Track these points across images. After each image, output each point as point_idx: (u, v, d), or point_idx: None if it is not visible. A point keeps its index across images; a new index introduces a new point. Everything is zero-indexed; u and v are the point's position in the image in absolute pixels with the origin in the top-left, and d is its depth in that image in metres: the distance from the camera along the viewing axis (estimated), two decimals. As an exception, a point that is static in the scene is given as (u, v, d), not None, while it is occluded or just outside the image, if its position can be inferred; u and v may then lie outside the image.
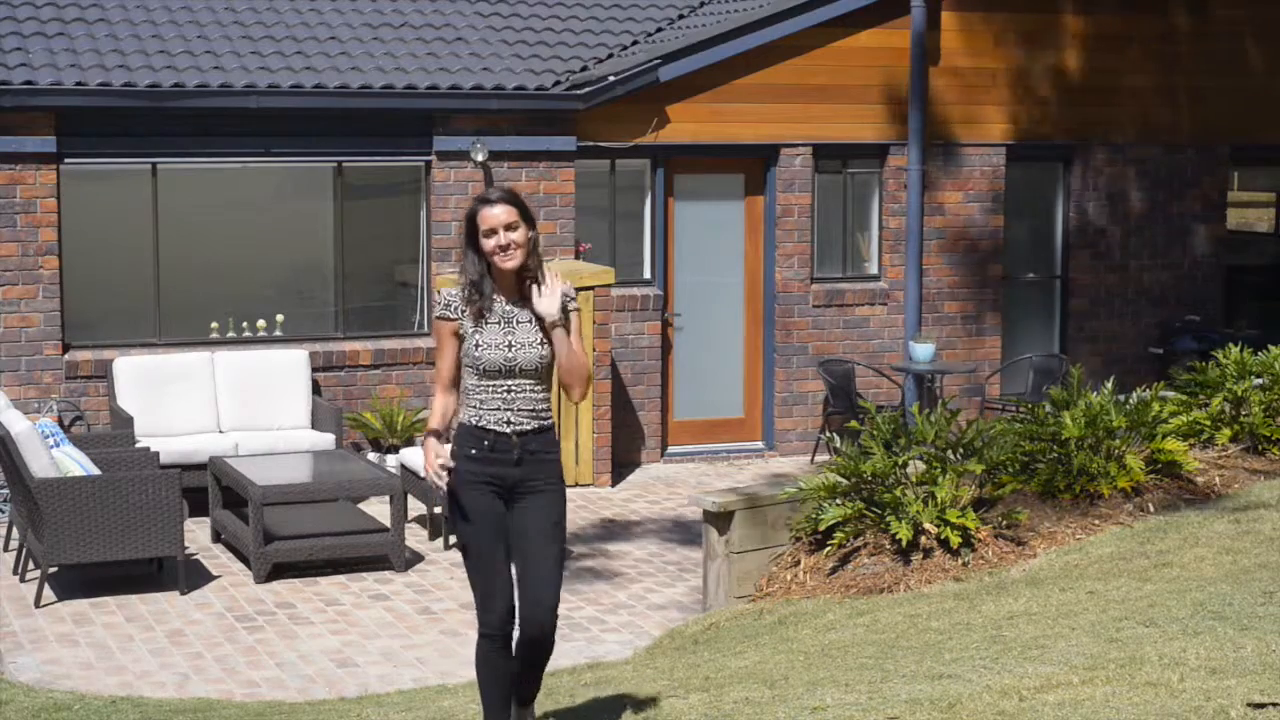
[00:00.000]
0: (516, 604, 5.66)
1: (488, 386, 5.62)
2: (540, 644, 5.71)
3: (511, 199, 5.61)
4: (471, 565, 5.70)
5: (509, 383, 5.61)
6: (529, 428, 5.63)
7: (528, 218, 5.62)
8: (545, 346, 5.64)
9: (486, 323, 5.62)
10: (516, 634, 5.70)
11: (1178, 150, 15.79)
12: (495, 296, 5.64)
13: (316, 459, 11.71)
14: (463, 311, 5.64)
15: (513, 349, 5.61)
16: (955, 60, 14.87)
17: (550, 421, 5.73)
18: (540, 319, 5.63)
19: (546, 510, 5.68)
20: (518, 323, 5.64)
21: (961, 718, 5.27)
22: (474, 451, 5.64)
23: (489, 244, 5.57)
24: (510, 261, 5.57)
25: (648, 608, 9.92)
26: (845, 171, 14.88)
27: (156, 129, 12.88)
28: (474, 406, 5.67)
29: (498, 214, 5.55)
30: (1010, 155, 15.21)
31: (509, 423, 5.61)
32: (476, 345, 5.62)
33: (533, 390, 5.64)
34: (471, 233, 5.61)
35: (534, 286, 5.64)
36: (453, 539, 11.42)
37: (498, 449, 5.61)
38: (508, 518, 5.67)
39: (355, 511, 11.33)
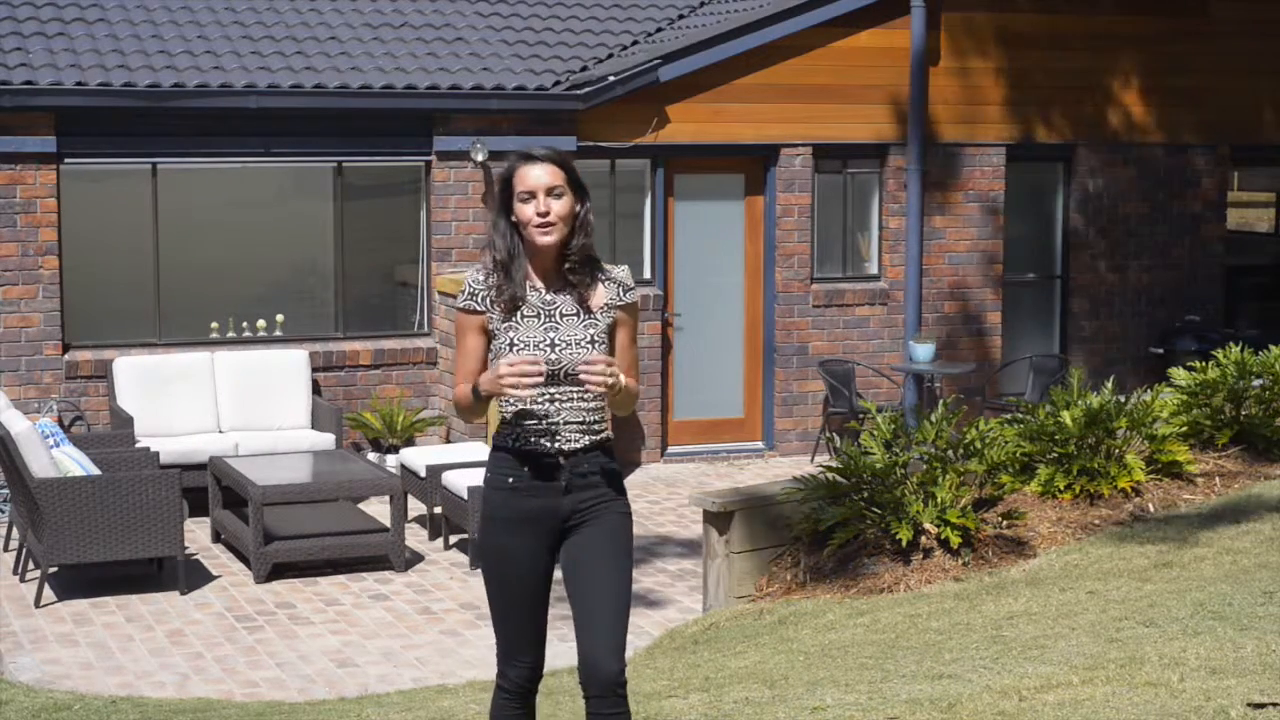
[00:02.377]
0: (577, 660, 4.58)
1: (526, 397, 4.55)
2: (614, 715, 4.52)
3: (560, 160, 4.55)
4: (495, 616, 4.65)
5: (552, 390, 4.53)
6: (580, 445, 4.56)
7: (578, 186, 4.57)
8: (597, 345, 4.56)
9: (522, 316, 4.56)
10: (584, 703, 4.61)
11: (1178, 150, 15.79)
12: (530, 283, 4.59)
13: (316, 459, 11.71)
14: (491, 302, 4.58)
15: (556, 348, 4.53)
16: (955, 60, 14.87)
17: (606, 435, 4.64)
18: (588, 309, 4.59)
19: (610, 537, 4.59)
20: (562, 315, 4.57)
21: (961, 718, 5.26)
22: (511, 480, 4.57)
23: (525, 211, 4.50)
24: (548, 237, 4.51)
25: (648, 608, 9.92)
26: (845, 171, 14.88)
27: (156, 129, 12.88)
28: (509, 422, 4.58)
29: (540, 175, 4.50)
30: (1010, 155, 15.21)
31: (554, 440, 4.54)
32: (510, 345, 4.55)
33: (582, 398, 4.56)
34: (506, 197, 4.55)
35: (588, 279, 4.61)
36: (454, 538, 11.41)
37: (541, 476, 4.54)
38: (562, 552, 4.62)
39: (355, 511, 11.33)
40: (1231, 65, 15.70)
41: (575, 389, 4.54)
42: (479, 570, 10.69)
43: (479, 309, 4.59)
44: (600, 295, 4.61)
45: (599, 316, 4.60)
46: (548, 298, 4.58)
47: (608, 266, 4.67)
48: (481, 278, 4.61)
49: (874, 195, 14.98)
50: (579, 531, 4.58)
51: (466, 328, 4.62)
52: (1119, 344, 15.72)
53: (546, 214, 4.50)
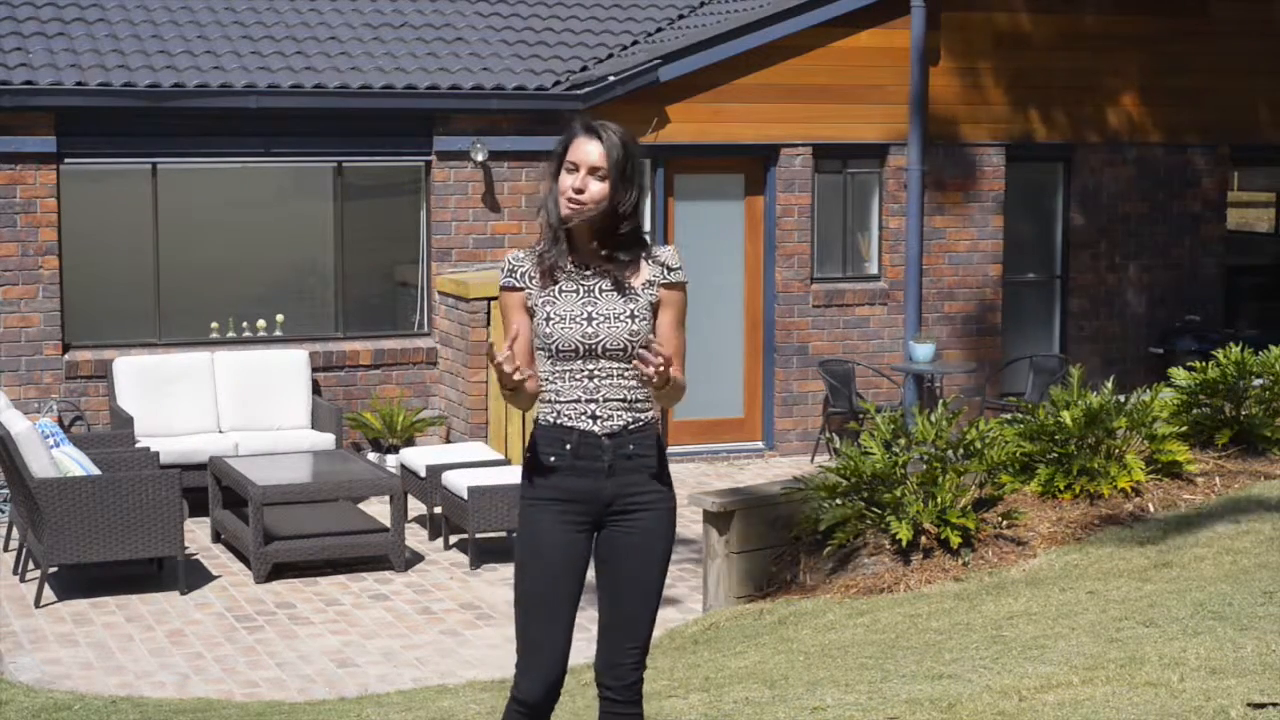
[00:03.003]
0: (597, 654, 4.48)
1: (565, 373, 4.41)
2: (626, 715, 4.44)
3: (616, 145, 4.40)
4: (520, 610, 4.46)
5: (590, 366, 4.40)
6: (622, 423, 4.41)
7: (624, 177, 4.40)
8: (637, 320, 4.41)
9: (560, 290, 4.44)
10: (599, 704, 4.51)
11: (1178, 150, 15.79)
12: (570, 257, 4.45)
13: (316, 459, 11.71)
14: (532, 278, 4.46)
15: (593, 322, 4.40)
16: (955, 60, 14.87)
17: (651, 415, 4.47)
18: (628, 286, 4.45)
19: (649, 535, 4.46)
20: (601, 290, 4.43)
21: (961, 718, 5.26)
22: (553, 459, 4.41)
23: (564, 181, 4.40)
24: (573, 212, 4.40)
25: (648, 608, 9.91)
26: (845, 171, 14.88)
27: (156, 129, 12.88)
28: (550, 401, 4.44)
29: (590, 151, 4.38)
30: (1010, 155, 15.21)
31: (594, 417, 4.40)
32: (547, 319, 4.41)
33: (623, 375, 4.41)
34: (559, 162, 4.47)
35: (628, 259, 4.46)
36: (454, 538, 11.40)
37: (583, 454, 4.40)
38: (596, 548, 4.47)
39: (355, 511, 11.33)
40: (1231, 65, 15.70)
41: (615, 365, 4.41)
42: (479, 570, 10.73)
43: (518, 285, 4.46)
44: (642, 274, 4.46)
45: (640, 293, 4.44)
46: (586, 273, 4.44)
47: (655, 247, 4.52)
48: (521, 255, 4.51)
49: (874, 195, 14.98)
50: (620, 524, 4.43)
51: (510, 307, 4.49)
52: (1119, 344, 15.72)
53: (581, 191, 4.37)
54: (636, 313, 4.42)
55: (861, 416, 13.29)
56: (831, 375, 14.28)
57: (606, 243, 4.43)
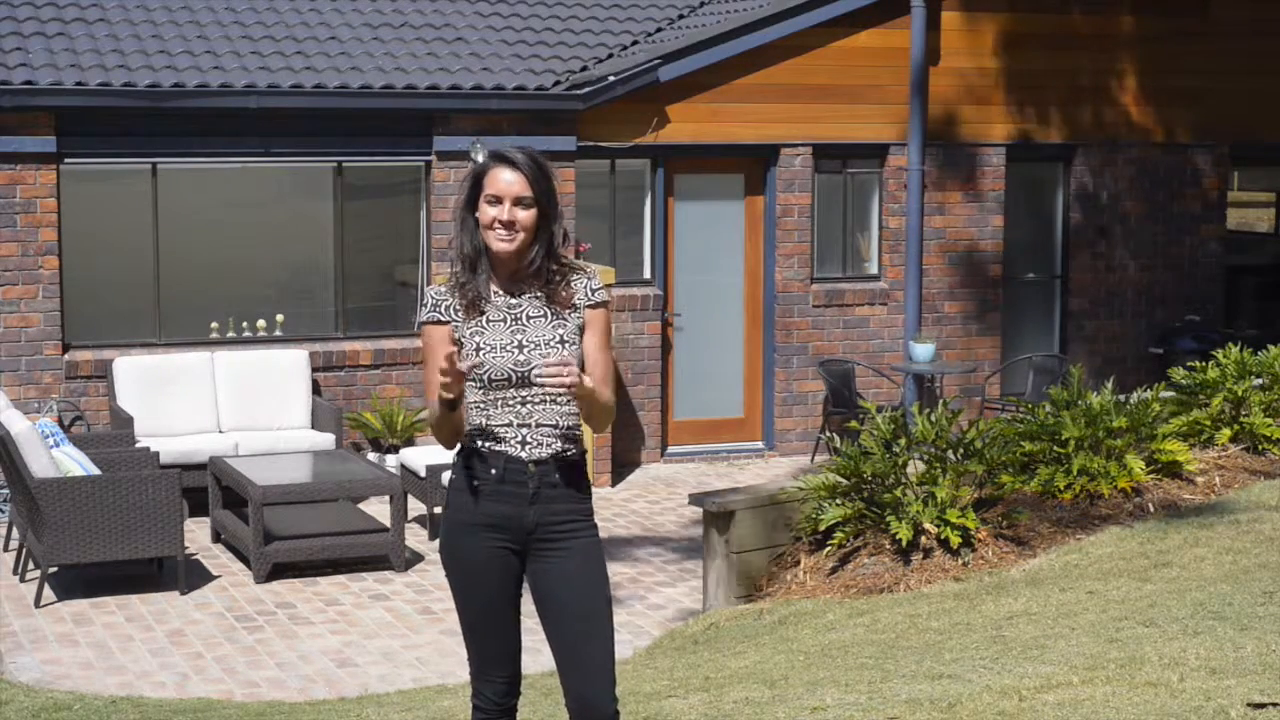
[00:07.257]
0: (564, 697, 4.43)
1: (496, 400, 4.38)
2: None
3: (534, 168, 4.37)
4: (467, 631, 4.50)
5: (523, 393, 4.38)
6: (551, 451, 4.39)
7: (548, 199, 4.39)
8: (568, 345, 4.39)
9: (488, 320, 4.40)
10: None
11: (1178, 150, 15.79)
12: (493, 285, 4.44)
13: (316, 459, 11.71)
14: (456, 310, 4.43)
15: (524, 350, 4.38)
16: (955, 60, 14.87)
17: (580, 448, 4.45)
18: (555, 310, 4.44)
19: (583, 563, 4.42)
20: (528, 317, 4.41)
21: (961, 718, 5.26)
22: (476, 483, 4.38)
23: (488, 214, 4.35)
24: (506, 244, 4.36)
25: (648, 608, 9.92)
26: (845, 171, 14.88)
27: (156, 129, 12.88)
28: (478, 425, 4.41)
29: (510, 181, 4.34)
30: (1010, 155, 15.20)
31: (524, 443, 4.37)
32: (477, 349, 4.38)
33: (555, 400, 4.40)
34: (474, 195, 4.41)
35: (552, 282, 4.45)
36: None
37: (509, 479, 4.36)
38: (532, 576, 4.45)
39: (355, 511, 11.33)
40: (1231, 65, 15.69)
41: (546, 390, 4.39)
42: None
43: (444, 319, 4.44)
44: (567, 296, 4.46)
45: (567, 317, 4.44)
46: (512, 300, 4.43)
47: (577, 267, 4.50)
48: (443, 289, 4.47)
49: (874, 195, 14.98)
50: (549, 558, 4.41)
51: (434, 342, 4.43)
52: (1119, 344, 15.73)
53: (510, 223, 4.35)
54: (565, 337, 4.41)
55: (861, 416, 13.30)
56: (831, 375, 14.28)
57: (540, 270, 4.41)
